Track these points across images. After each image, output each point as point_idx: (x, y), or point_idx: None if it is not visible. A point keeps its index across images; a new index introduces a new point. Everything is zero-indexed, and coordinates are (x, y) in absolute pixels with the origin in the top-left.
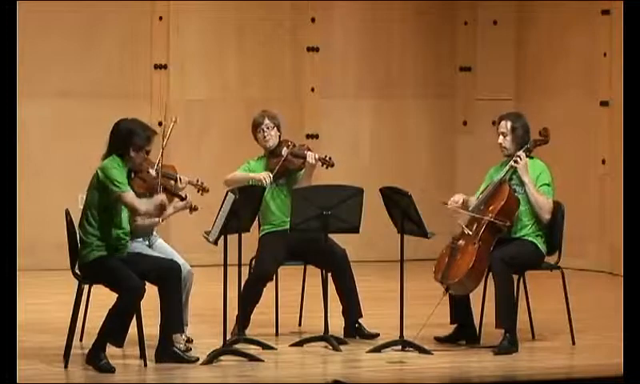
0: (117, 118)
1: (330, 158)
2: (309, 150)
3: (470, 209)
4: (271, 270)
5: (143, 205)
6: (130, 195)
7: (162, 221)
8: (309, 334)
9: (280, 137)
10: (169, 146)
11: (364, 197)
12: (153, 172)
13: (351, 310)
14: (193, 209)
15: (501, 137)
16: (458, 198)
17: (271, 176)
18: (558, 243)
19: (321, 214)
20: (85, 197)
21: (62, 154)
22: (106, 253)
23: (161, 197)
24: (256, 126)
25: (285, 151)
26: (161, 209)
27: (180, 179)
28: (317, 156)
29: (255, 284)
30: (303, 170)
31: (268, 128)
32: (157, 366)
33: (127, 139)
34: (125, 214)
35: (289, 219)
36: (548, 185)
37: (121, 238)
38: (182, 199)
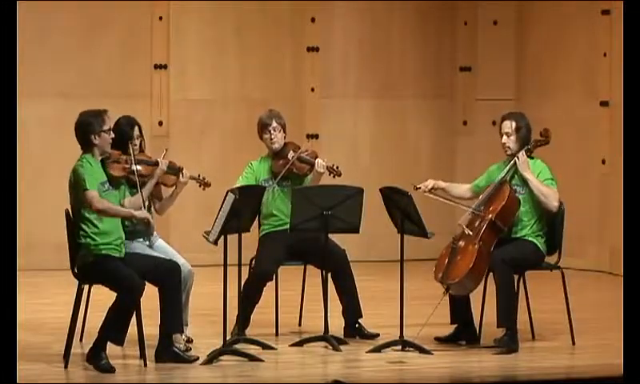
0: (116, 118)
1: (337, 167)
2: (317, 157)
3: (474, 206)
4: (271, 269)
5: (101, 203)
6: (89, 194)
7: (147, 198)
8: (309, 333)
9: (285, 137)
10: (169, 145)
11: (364, 197)
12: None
13: (351, 310)
14: (172, 168)
15: (504, 137)
16: (429, 182)
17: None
18: (558, 243)
19: (321, 214)
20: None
21: (61, 154)
22: (103, 253)
23: (127, 211)
24: (263, 127)
25: (291, 155)
26: (144, 222)
27: (183, 173)
28: (325, 165)
29: (255, 284)
30: (309, 176)
31: (275, 130)
32: (157, 365)
33: (84, 130)
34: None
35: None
36: (551, 179)
37: (115, 234)
38: (154, 165)
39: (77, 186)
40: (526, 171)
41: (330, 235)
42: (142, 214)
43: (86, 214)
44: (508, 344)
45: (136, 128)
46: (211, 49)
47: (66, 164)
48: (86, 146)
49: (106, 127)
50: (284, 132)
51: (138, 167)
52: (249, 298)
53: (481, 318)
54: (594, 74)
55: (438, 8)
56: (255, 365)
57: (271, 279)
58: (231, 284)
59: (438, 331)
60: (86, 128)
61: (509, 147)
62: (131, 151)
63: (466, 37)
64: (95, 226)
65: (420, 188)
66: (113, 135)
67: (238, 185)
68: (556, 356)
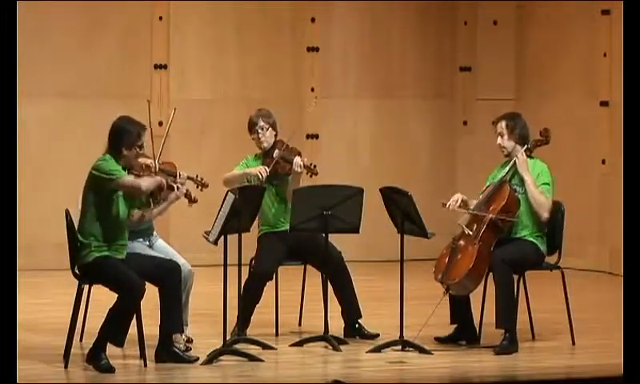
0: (114, 118)
1: (314, 167)
2: (298, 155)
3: (472, 208)
4: (270, 269)
5: (144, 182)
6: (128, 177)
7: (155, 214)
8: (309, 333)
9: (276, 136)
10: (169, 145)
11: (364, 197)
12: (149, 162)
13: (350, 311)
14: (189, 198)
15: (499, 138)
16: (457, 196)
17: (267, 170)
18: (558, 243)
19: (321, 214)
20: (81, 200)
21: (62, 154)
22: (105, 253)
23: (160, 178)
24: (251, 127)
25: (276, 154)
26: (159, 187)
27: (179, 174)
28: (302, 164)
29: (255, 284)
30: (291, 175)
31: (262, 129)
32: (157, 365)
33: (119, 137)
34: (123, 214)
35: (284, 220)
36: (547, 184)
37: (120, 237)
38: (174, 190)
39: (104, 179)
40: (525, 172)
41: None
42: (164, 182)
43: (95, 216)
44: (508, 349)
45: None
46: (211, 49)
47: (66, 164)
48: (114, 151)
49: (139, 143)
50: (274, 130)
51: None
52: (249, 298)
53: (481, 318)
54: (594, 74)
55: (438, 8)
56: (255, 365)
57: (271, 279)
58: (231, 284)
59: (437, 331)
60: (121, 136)
61: (504, 147)
62: (154, 169)
63: (466, 37)
64: (102, 228)
65: (449, 206)
66: (143, 150)
67: (233, 171)
68: (556, 356)
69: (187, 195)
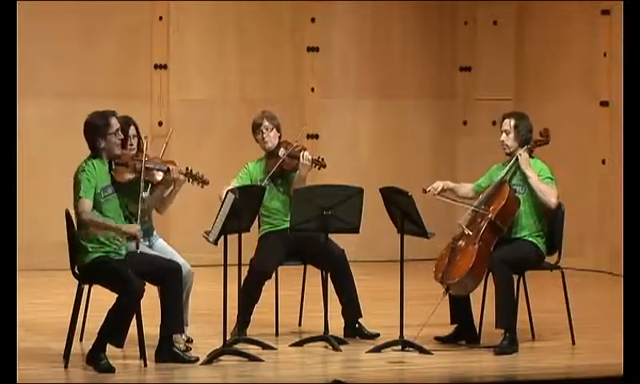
0: None
1: (322, 159)
2: (303, 150)
3: (474, 205)
4: (269, 268)
5: (88, 216)
6: (82, 203)
7: (167, 200)
8: (309, 333)
9: (280, 138)
10: (169, 144)
11: (364, 197)
12: (132, 154)
13: (350, 310)
14: (190, 177)
15: (503, 134)
16: (437, 184)
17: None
18: (558, 243)
19: (321, 214)
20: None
21: (61, 154)
22: (104, 254)
23: (115, 226)
24: (255, 128)
25: (282, 152)
26: (133, 236)
27: (172, 169)
28: (310, 157)
29: (253, 283)
30: (298, 171)
31: (267, 129)
32: (157, 365)
33: (91, 133)
34: (119, 212)
35: (287, 219)
36: (550, 178)
37: (115, 238)
38: (165, 172)
39: (74, 190)
40: (527, 168)
41: (329, 235)
42: (131, 228)
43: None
44: (507, 349)
45: (132, 127)
46: (211, 49)
47: (66, 164)
48: (93, 149)
49: (111, 130)
50: (278, 131)
51: (148, 178)
52: (248, 297)
53: (481, 318)
54: (594, 74)
55: (437, 8)
56: (255, 365)
57: (269, 278)
58: (231, 284)
59: (438, 331)
60: (91, 131)
61: (507, 145)
62: (143, 157)
63: (466, 37)
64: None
65: (429, 191)
66: (122, 136)
67: (232, 186)
68: (556, 356)
69: (187, 175)
